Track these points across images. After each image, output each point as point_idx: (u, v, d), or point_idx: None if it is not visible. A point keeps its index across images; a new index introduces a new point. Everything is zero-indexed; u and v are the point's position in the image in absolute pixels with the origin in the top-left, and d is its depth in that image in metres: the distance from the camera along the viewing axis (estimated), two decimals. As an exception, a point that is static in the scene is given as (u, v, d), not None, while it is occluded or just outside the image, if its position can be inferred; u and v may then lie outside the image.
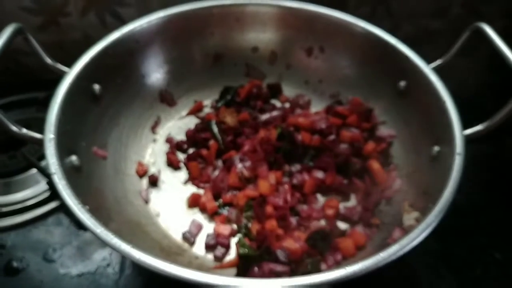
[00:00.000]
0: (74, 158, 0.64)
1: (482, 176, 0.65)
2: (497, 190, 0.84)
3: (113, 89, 0.77)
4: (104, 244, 0.52)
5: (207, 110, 0.89)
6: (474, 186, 0.59)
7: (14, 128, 0.61)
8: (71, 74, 0.69)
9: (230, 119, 0.84)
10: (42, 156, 0.81)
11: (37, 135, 0.61)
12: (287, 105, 0.89)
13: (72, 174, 0.60)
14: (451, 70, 0.75)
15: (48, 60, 0.71)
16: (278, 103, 0.90)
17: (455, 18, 1.06)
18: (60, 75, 0.69)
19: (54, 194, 0.79)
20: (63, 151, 0.61)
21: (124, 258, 0.72)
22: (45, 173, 0.80)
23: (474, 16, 1.05)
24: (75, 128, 0.67)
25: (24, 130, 0.62)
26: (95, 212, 0.55)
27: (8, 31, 0.63)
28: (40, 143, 0.61)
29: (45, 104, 0.65)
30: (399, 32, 0.80)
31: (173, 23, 0.82)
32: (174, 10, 0.81)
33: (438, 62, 0.76)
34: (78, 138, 0.68)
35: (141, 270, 0.69)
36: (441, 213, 0.55)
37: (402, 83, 0.78)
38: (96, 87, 0.73)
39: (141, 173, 0.77)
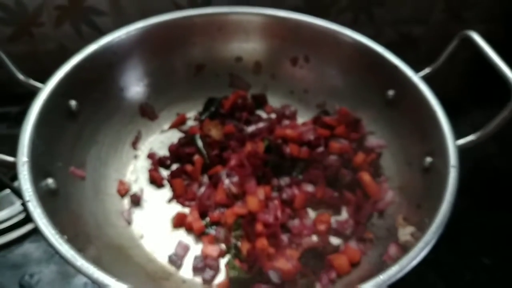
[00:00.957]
0: (50, 181, 0.60)
1: (468, 182, 0.66)
2: (482, 195, 0.84)
3: (91, 104, 0.73)
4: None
5: (190, 123, 0.86)
6: (460, 192, 0.58)
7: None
8: (45, 91, 0.65)
9: (215, 132, 0.81)
10: (16, 176, 0.77)
11: (10, 158, 0.57)
12: (272, 115, 0.87)
13: (48, 199, 0.57)
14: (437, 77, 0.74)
15: (20, 76, 0.67)
16: (263, 114, 0.88)
17: (436, 24, 1.07)
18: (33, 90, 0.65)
19: (30, 216, 0.75)
20: (38, 175, 0.57)
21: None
22: (20, 194, 0.75)
23: (455, 22, 1.06)
24: (50, 148, 0.63)
25: (-6, 153, 0.57)
26: (74, 239, 0.52)
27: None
28: (12, 167, 0.57)
29: (17, 120, 0.61)
30: (381, 39, 0.79)
31: (153, 33, 0.79)
32: (154, 20, 0.78)
33: (426, 70, 0.74)
34: (54, 159, 0.64)
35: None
36: (439, 230, 0.54)
37: (391, 92, 0.77)
38: (73, 103, 0.70)
39: (123, 193, 0.74)
